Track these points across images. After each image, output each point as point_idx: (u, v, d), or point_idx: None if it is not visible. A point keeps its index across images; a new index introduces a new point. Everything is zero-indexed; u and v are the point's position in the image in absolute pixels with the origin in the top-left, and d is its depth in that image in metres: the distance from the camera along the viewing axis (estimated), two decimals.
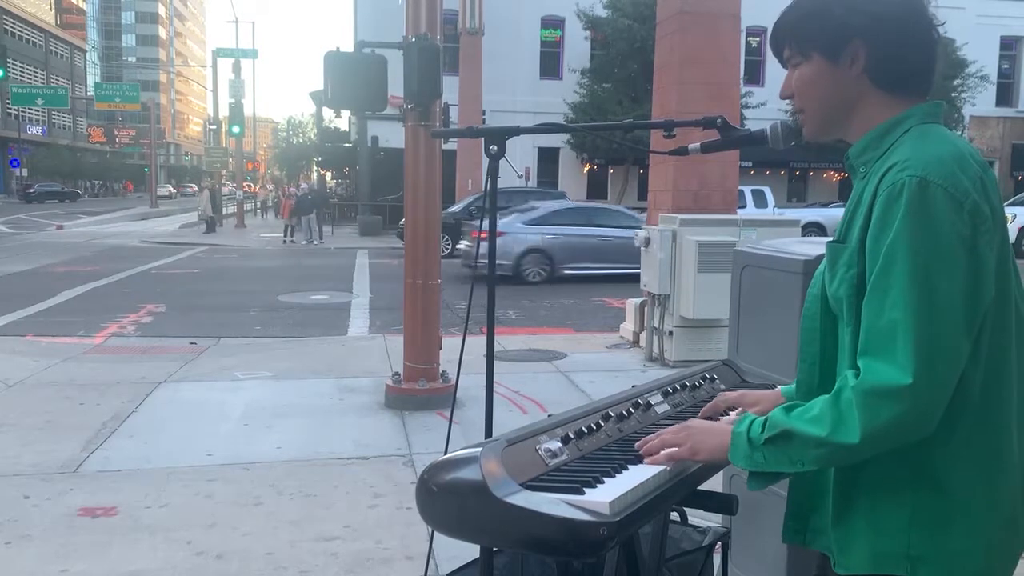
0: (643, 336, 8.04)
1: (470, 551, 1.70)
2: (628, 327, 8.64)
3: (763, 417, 1.35)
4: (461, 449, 1.38)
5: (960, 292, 1.21)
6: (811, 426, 1.27)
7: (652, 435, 1.51)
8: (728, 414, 1.71)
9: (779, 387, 1.72)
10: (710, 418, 1.64)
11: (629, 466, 1.44)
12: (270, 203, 42.13)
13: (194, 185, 34.83)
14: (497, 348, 4.26)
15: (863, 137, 1.40)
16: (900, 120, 1.37)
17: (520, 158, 27.97)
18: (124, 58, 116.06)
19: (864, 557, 1.33)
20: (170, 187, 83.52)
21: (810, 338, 1.46)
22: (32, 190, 53.09)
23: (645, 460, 1.47)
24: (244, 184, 35.00)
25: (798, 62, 1.42)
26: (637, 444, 1.51)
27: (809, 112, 1.45)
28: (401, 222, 8.70)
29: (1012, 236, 17.89)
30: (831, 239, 1.40)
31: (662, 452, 1.46)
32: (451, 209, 20.02)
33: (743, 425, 1.37)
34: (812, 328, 1.45)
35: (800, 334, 1.48)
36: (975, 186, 1.25)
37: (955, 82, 27.22)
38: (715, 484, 2.05)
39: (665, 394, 1.85)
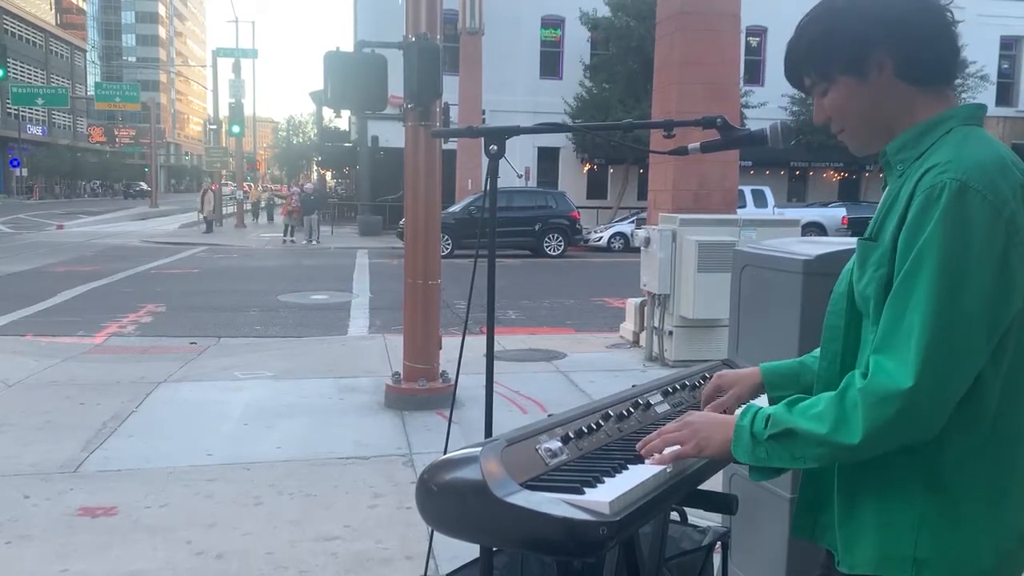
0: (643, 336, 8.04)
1: (470, 551, 1.70)
2: (628, 327, 8.64)
3: (767, 411, 1.34)
4: (461, 449, 1.38)
5: (983, 302, 1.19)
6: (813, 424, 1.26)
7: (652, 434, 1.49)
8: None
9: (759, 365, 1.69)
10: None
11: (629, 465, 1.43)
12: (263, 205, 38.73)
13: (214, 184, 33.00)
14: (497, 348, 4.26)
15: (902, 134, 1.37)
16: (941, 120, 1.34)
17: (520, 158, 27.96)
18: (124, 58, 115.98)
19: (869, 557, 1.32)
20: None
21: (833, 335, 1.44)
22: (137, 189, 73.40)
23: (648, 460, 1.45)
24: (244, 184, 34.95)
25: (825, 88, 1.39)
26: (637, 445, 1.50)
27: (851, 130, 1.41)
28: (401, 222, 8.70)
29: None
30: (862, 236, 1.37)
31: (667, 451, 1.44)
32: (451, 209, 20.02)
33: (746, 419, 1.35)
34: (836, 325, 1.43)
35: (823, 331, 1.47)
36: (1015, 194, 1.22)
37: (955, 82, 27.20)
38: (715, 484, 2.05)
39: (665, 394, 1.85)
